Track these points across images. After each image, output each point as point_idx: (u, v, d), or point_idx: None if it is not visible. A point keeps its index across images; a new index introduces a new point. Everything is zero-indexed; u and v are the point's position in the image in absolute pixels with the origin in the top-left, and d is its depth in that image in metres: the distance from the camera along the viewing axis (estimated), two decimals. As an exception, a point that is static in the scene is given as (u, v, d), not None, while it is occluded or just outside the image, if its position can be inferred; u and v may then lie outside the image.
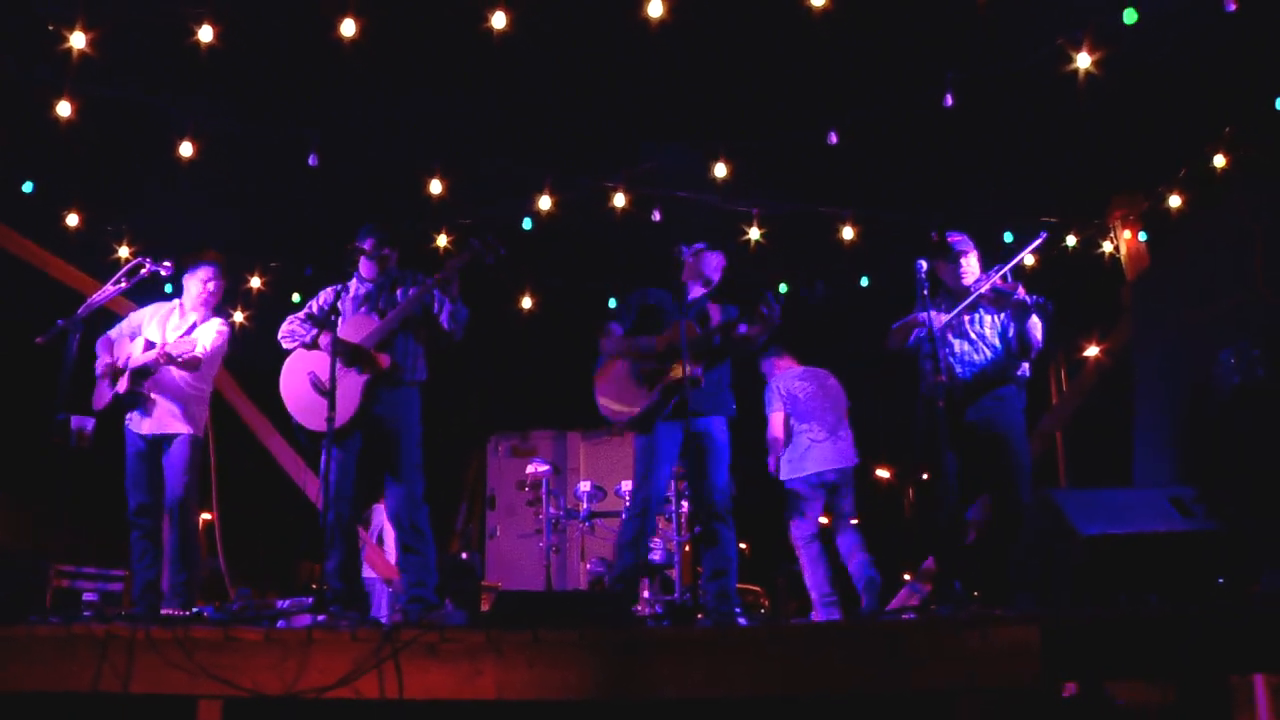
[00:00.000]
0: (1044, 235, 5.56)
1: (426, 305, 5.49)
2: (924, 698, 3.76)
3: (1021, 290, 5.36)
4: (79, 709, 4.21)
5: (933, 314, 5.34)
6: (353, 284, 5.69)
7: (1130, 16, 5.98)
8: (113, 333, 6.08)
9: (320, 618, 4.59)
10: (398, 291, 5.58)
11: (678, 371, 5.27)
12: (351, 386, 5.31)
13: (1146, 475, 6.16)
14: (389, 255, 5.62)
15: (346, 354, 5.30)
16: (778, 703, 3.94)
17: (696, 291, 5.73)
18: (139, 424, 5.84)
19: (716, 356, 5.50)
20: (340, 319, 5.40)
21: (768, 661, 3.84)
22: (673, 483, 7.33)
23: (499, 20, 6.23)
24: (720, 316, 5.62)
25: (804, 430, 7.27)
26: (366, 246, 5.57)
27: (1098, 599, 4.18)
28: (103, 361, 5.91)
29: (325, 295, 5.65)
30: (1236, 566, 4.31)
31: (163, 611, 5.41)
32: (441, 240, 8.68)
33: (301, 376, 5.47)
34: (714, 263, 5.74)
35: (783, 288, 9.28)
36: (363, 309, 5.54)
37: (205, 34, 6.25)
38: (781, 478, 7.29)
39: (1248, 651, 3.80)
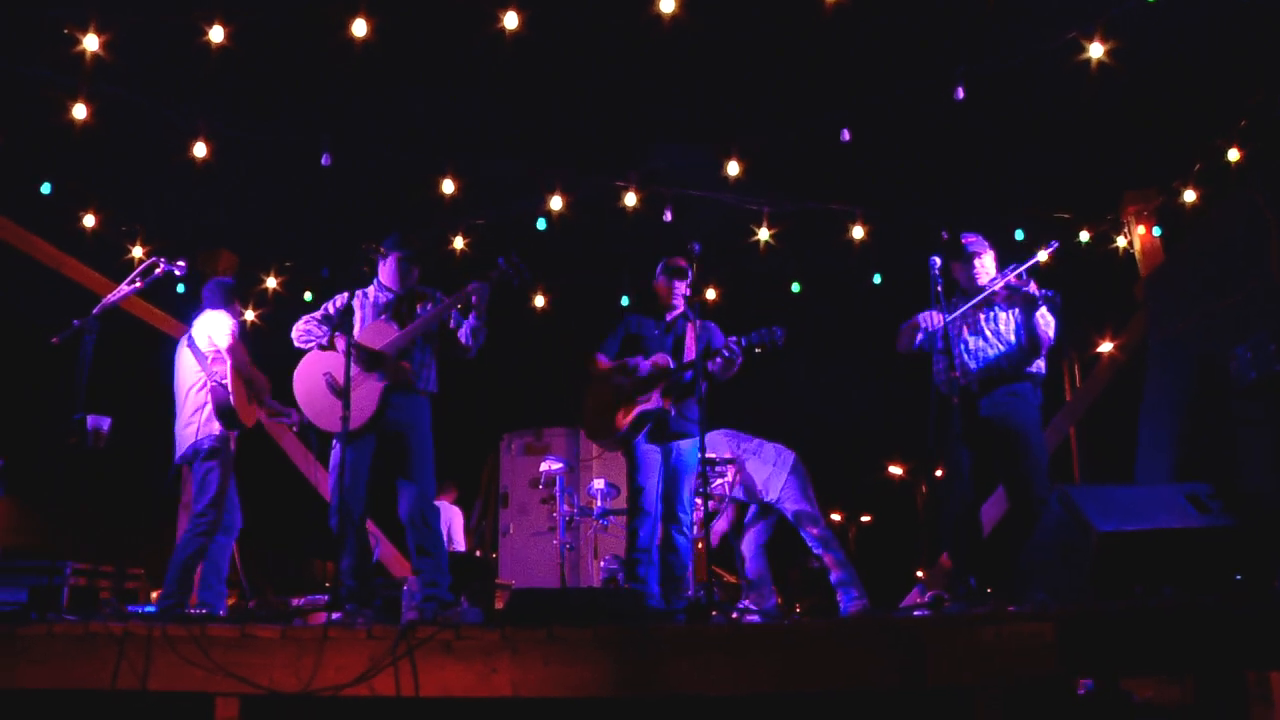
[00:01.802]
0: (1055, 245, 5.63)
1: (444, 321, 5.61)
2: (941, 693, 3.76)
3: (1033, 285, 5.37)
4: (98, 706, 4.23)
5: (933, 314, 5.44)
6: (372, 290, 5.74)
7: None
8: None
9: (335, 616, 4.61)
10: (417, 305, 5.65)
11: (646, 405, 5.74)
12: (369, 391, 5.36)
13: (1148, 471, 6.13)
14: (412, 271, 5.69)
15: (366, 359, 5.36)
16: (793, 699, 3.94)
17: (673, 313, 6.06)
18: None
19: (687, 390, 5.79)
20: (360, 324, 5.48)
21: (783, 658, 3.84)
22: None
23: (510, 21, 6.24)
24: (700, 339, 5.84)
25: None
26: (392, 259, 5.67)
27: (1113, 595, 4.17)
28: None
29: (342, 298, 5.67)
30: (1254, 562, 4.29)
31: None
32: (458, 243, 8.70)
33: (317, 378, 5.50)
34: (679, 289, 6.03)
35: (795, 287, 9.29)
36: (383, 316, 5.59)
37: (217, 35, 6.27)
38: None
39: (1266, 648, 3.79)
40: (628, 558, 5.78)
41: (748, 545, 7.71)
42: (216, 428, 5.99)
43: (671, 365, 5.80)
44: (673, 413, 5.77)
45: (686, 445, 5.82)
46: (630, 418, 5.76)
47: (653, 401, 5.75)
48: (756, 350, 5.65)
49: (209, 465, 5.97)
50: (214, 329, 6.04)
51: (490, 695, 3.94)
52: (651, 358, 5.86)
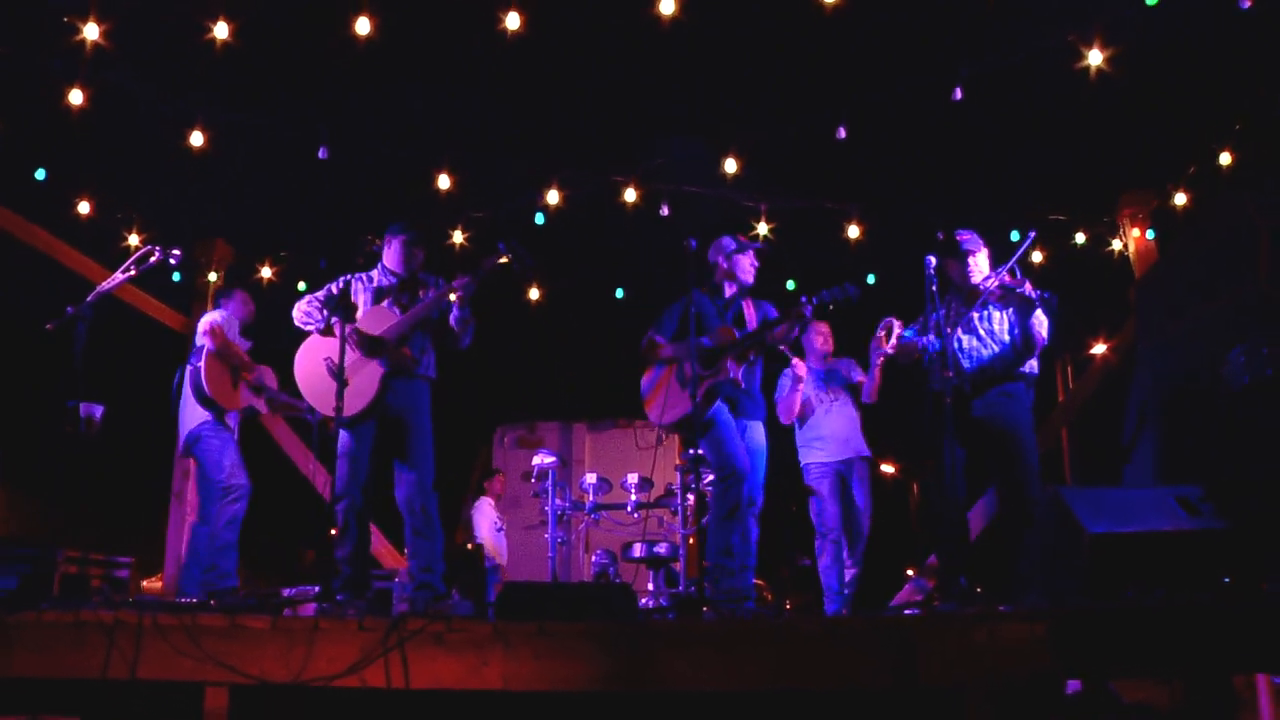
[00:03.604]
0: (1033, 234, 5.56)
1: (444, 308, 5.59)
2: (932, 693, 3.76)
3: (1028, 286, 5.37)
4: (89, 695, 4.22)
5: (931, 338, 5.47)
6: (375, 274, 5.73)
7: None
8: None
9: (327, 606, 4.61)
10: (419, 291, 5.65)
11: (715, 378, 5.50)
12: (369, 376, 5.37)
13: (1134, 472, 6.16)
14: (417, 254, 5.69)
15: (366, 345, 5.37)
16: (784, 696, 3.94)
17: (730, 290, 5.91)
18: None
19: (753, 352, 5.66)
20: (362, 308, 5.49)
21: (775, 655, 3.85)
22: (679, 476, 7.38)
23: (510, 18, 6.23)
24: (756, 315, 5.80)
25: None
26: (397, 242, 5.67)
27: (1104, 596, 4.18)
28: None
29: (340, 281, 5.68)
30: (1243, 565, 4.31)
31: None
32: (457, 237, 8.69)
33: (317, 362, 5.51)
34: (745, 264, 5.90)
35: (790, 284, 9.29)
36: (385, 301, 5.59)
37: (220, 27, 6.26)
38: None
39: (1254, 651, 3.80)
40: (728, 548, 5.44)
41: None
42: (203, 414, 6.22)
43: (738, 335, 5.64)
44: (744, 384, 5.61)
45: (758, 428, 5.69)
46: (700, 394, 5.48)
47: (722, 374, 5.54)
48: (829, 308, 5.56)
49: (208, 447, 6.21)
50: (201, 321, 6.39)
51: (481, 688, 3.94)
52: (712, 334, 5.66)
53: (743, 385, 5.61)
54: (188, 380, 6.21)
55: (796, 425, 7.17)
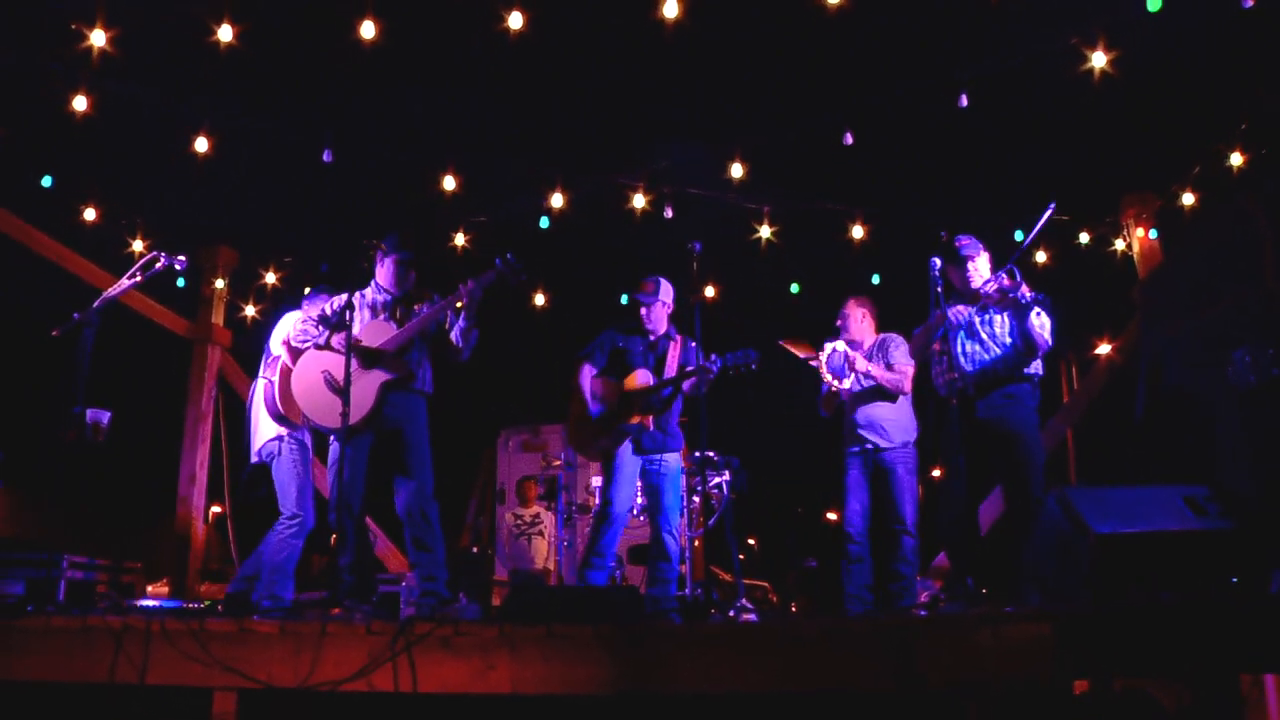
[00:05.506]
0: (1052, 207, 5.54)
1: (440, 321, 5.65)
2: (938, 694, 3.77)
3: (1025, 289, 5.36)
4: (96, 699, 4.24)
5: (951, 310, 5.35)
6: (369, 291, 5.77)
7: (1155, 4, 5.90)
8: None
9: (334, 612, 4.62)
10: (414, 305, 5.68)
11: (625, 423, 5.88)
12: (367, 388, 5.38)
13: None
14: (409, 274, 5.72)
15: (364, 357, 5.39)
16: (791, 699, 3.95)
17: (657, 332, 6.14)
18: None
19: (665, 405, 5.97)
20: (358, 323, 5.51)
21: (781, 658, 3.85)
22: (684, 479, 7.37)
23: (514, 19, 6.25)
24: (680, 356, 6.03)
25: None
26: (390, 261, 5.72)
27: (1110, 597, 4.18)
28: None
29: (341, 299, 5.67)
30: (1250, 566, 4.31)
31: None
32: (459, 239, 8.70)
33: (316, 375, 5.53)
34: (658, 315, 6.11)
35: (794, 288, 9.30)
36: (381, 316, 5.62)
37: (224, 32, 6.27)
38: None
39: (1261, 651, 3.80)
40: (585, 558, 5.91)
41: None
42: (275, 429, 5.89)
43: (651, 383, 5.94)
44: (651, 427, 5.90)
45: (669, 459, 5.96)
46: (610, 434, 5.92)
47: (633, 421, 5.90)
48: (730, 372, 5.71)
49: (279, 468, 5.85)
50: (280, 327, 6.01)
51: (488, 691, 3.95)
52: (630, 376, 5.99)
53: (650, 429, 5.89)
54: (261, 393, 5.93)
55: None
